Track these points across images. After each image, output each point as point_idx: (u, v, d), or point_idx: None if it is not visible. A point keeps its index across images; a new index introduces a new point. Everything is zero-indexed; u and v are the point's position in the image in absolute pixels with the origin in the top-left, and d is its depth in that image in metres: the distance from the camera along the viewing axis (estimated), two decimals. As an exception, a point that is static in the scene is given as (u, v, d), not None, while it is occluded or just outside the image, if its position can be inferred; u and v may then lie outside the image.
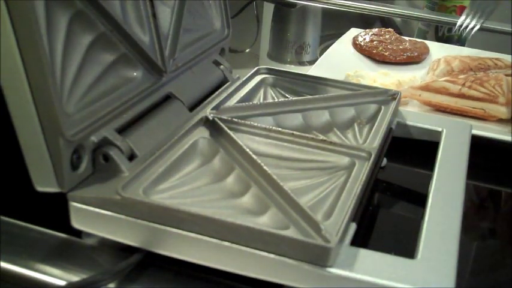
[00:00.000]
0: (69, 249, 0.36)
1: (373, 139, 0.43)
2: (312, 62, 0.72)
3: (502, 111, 0.56)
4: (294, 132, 0.42)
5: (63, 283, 0.33)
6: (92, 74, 0.36)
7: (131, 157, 0.37)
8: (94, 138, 0.35)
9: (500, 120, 0.57)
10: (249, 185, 0.37)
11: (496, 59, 0.68)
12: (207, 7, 0.51)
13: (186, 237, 0.32)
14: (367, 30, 0.79)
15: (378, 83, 0.62)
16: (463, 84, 0.58)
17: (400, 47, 0.74)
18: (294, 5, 0.84)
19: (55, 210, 0.35)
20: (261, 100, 0.51)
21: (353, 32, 0.81)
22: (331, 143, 0.42)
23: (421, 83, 0.61)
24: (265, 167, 0.37)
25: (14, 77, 0.31)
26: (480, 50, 0.77)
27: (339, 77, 0.63)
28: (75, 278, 0.33)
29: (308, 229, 0.32)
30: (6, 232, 0.36)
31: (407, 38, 0.79)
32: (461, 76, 0.61)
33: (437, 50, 0.76)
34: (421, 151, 0.50)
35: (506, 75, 0.63)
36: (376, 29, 0.80)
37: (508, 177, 0.51)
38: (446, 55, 0.70)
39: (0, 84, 0.31)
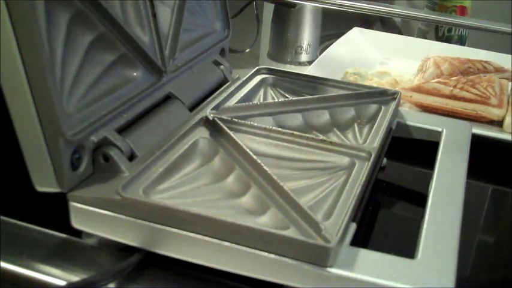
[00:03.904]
0: (69, 249, 0.36)
1: (373, 139, 0.43)
2: (312, 62, 0.72)
3: (493, 112, 0.56)
4: (294, 132, 0.42)
5: (63, 283, 0.33)
6: (92, 74, 0.36)
7: (131, 157, 0.37)
8: (94, 138, 0.35)
9: (491, 122, 0.57)
10: (249, 185, 0.37)
11: (486, 62, 0.67)
12: (207, 7, 0.51)
13: (186, 237, 0.32)
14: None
15: (374, 82, 0.62)
16: (455, 86, 0.58)
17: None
18: (294, 5, 0.84)
19: (55, 210, 0.35)
20: (261, 100, 0.51)
21: (355, 31, 0.81)
22: (331, 143, 0.42)
23: (413, 84, 0.61)
24: (265, 167, 0.37)
25: (14, 77, 0.31)
26: (480, 50, 0.77)
27: (338, 75, 0.64)
28: (75, 278, 0.33)
29: (308, 229, 0.32)
30: (6, 232, 0.36)
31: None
32: (453, 78, 0.61)
33: (437, 50, 0.76)
34: (421, 151, 0.50)
35: (501, 77, 0.63)
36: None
37: (508, 177, 0.51)
38: (435, 56, 0.70)
39: (0, 84, 0.31)
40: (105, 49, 0.38)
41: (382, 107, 0.49)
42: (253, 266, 0.32)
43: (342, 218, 0.33)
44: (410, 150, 0.51)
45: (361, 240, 0.39)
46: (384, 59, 0.76)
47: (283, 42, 0.85)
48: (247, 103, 0.47)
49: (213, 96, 0.48)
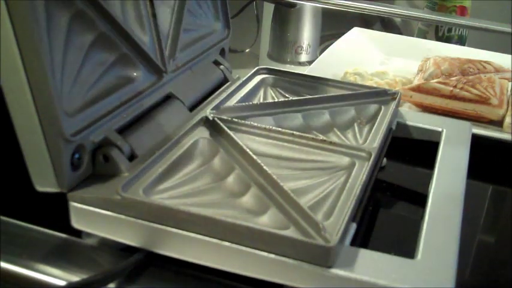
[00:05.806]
0: (69, 249, 0.36)
1: (373, 139, 0.43)
2: (312, 62, 0.72)
3: (493, 112, 0.56)
4: (294, 132, 0.42)
5: (63, 283, 0.33)
6: (92, 74, 0.36)
7: (131, 157, 0.37)
8: (94, 138, 0.35)
9: (491, 122, 0.57)
10: (249, 185, 0.37)
11: (486, 62, 0.67)
12: (207, 7, 0.51)
13: (186, 237, 0.32)
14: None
15: (374, 82, 0.62)
16: (455, 86, 0.58)
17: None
18: (294, 5, 0.84)
19: (55, 210, 0.35)
20: (261, 100, 0.51)
21: (355, 31, 0.81)
22: (331, 143, 0.42)
23: (413, 84, 0.61)
24: (265, 167, 0.37)
25: (14, 77, 0.31)
26: (480, 50, 0.77)
27: (338, 75, 0.64)
28: (75, 278, 0.33)
29: (308, 229, 0.32)
30: (6, 232, 0.36)
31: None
32: (453, 78, 0.61)
33: (437, 50, 0.76)
34: (421, 151, 0.50)
35: (501, 77, 0.63)
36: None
37: (508, 177, 0.51)
38: (435, 56, 0.70)
39: (0, 84, 0.31)
40: (105, 49, 0.38)
41: (382, 107, 0.49)
42: (253, 266, 0.32)
43: (342, 218, 0.33)
44: (410, 150, 0.51)
45: (361, 240, 0.39)
46: (384, 59, 0.76)
47: (283, 42, 0.85)
48: (247, 103, 0.47)
49: (213, 96, 0.48)
